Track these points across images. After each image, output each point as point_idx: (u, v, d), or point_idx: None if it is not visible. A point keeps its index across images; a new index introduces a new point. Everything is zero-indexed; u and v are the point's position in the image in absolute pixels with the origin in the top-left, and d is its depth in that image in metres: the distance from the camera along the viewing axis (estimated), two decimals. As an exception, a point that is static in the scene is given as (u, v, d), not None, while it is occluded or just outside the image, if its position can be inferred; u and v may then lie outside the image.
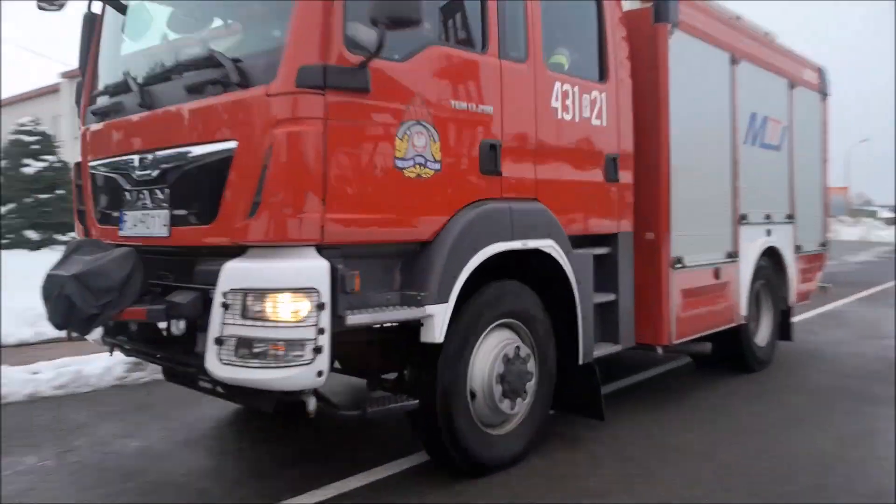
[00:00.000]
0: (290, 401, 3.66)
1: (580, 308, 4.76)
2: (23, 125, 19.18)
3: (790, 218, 7.75)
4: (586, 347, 4.81)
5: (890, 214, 57.75)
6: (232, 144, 3.56)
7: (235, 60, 3.62)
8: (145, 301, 3.82)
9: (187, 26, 4.52)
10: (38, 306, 3.98)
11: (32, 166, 18.40)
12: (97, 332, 4.39)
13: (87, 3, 4.92)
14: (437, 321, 3.83)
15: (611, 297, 5.29)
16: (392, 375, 4.52)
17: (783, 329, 7.85)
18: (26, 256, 14.82)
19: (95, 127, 4.64)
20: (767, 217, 7.22)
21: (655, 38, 5.62)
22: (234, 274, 3.48)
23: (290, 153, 3.40)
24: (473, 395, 4.20)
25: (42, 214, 17.92)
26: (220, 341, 3.50)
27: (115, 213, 4.35)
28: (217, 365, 3.52)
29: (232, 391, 3.85)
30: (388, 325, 3.96)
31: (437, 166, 3.94)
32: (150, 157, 4.05)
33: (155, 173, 3.99)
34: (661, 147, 5.63)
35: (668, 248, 5.65)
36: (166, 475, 4.40)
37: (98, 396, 6.33)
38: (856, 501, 4.04)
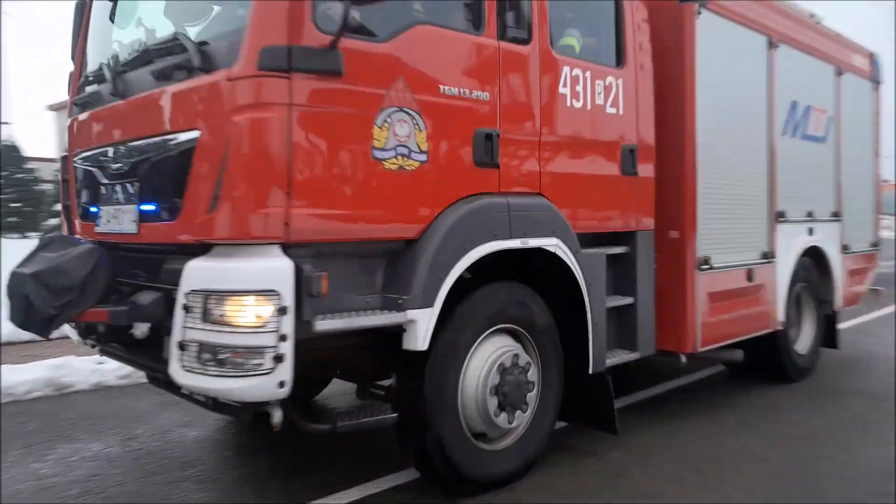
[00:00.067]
0: (254, 412, 3.38)
1: (590, 312, 4.37)
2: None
3: (836, 216, 7.18)
4: (597, 356, 4.42)
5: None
6: (195, 134, 3.28)
7: (201, 43, 3.35)
8: (111, 301, 3.58)
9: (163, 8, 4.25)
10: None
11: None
12: (73, 333, 4.19)
13: None
14: (420, 327, 3.50)
15: (628, 300, 4.89)
16: (388, 382, 4.20)
17: (828, 335, 7.28)
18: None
19: (79, 118, 4.44)
20: (809, 214, 6.67)
21: (681, 19, 5.17)
22: (196, 274, 3.21)
23: (251, 142, 3.11)
24: (466, 408, 3.86)
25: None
26: (182, 346, 3.23)
27: (94, 209, 4.14)
28: (179, 372, 3.26)
29: (207, 399, 3.59)
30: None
31: (423, 157, 3.60)
32: (121, 149, 3.82)
33: (125, 166, 3.76)
34: (687, 138, 5.19)
35: (694, 247, 5.21)
36: (224, 463, 4.55)
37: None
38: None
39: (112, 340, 3.96)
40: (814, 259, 6.86)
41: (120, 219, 3.80)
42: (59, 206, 5.66)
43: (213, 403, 3.50)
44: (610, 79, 4.67)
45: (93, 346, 4.17)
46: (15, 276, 3.59)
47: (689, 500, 3.94)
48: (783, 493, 4.05)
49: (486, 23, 3.90)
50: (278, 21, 3.13)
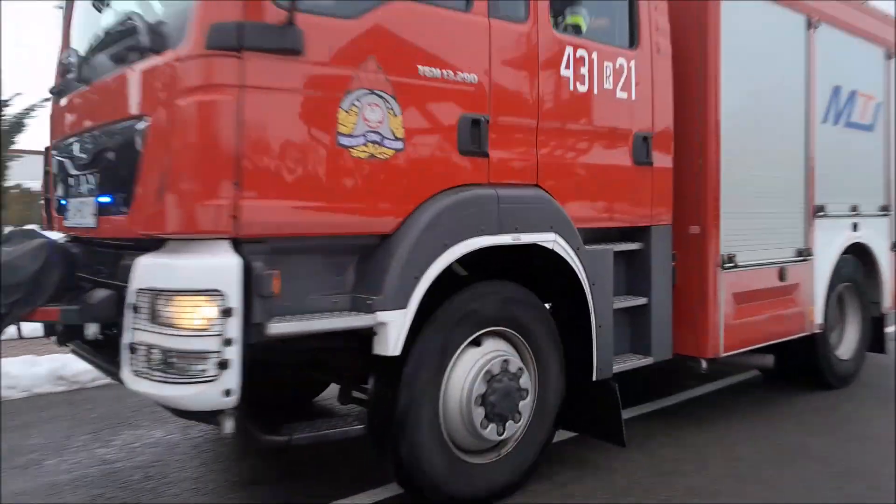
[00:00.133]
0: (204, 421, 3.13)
1: (594, 314, 4.01)
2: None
3: (885, 210, 6.62)
4: (602, 361, 4.05)
5: None
6: (145, 120, 3.04)
7: (155, 23, 3.10)
8: (64, 300, 3.37)
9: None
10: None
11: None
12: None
13: None
14: (391, 330, 3.19)
15: (641, 300, 4.50)
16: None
17: (875, 339, 6.71)
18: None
19: (56, 107, 4.26)
20: (854, 209, 6.15)
21: (703, -5, 4.75)
22: (144, 272, 2.97)
23: (197, 127, 2.85)
24: (449, 419, 3.55)
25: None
26: (132, 349, 3.00)
27: (63, 201, 3.95)
28: (129, 376, 3.03)
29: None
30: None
31: (399, 145, 3.29)
32: (84, 138, 3.63)
33: (87, 156, 3.56)
34: (710, 125, 4.76)
35: (717, 243, 4.78)
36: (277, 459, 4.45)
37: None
38: None
39: (73, 339, 3.76)
40: (859, 257, 6.33)
41: (83, 212, 3.60)
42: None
43: (172, 410, 3.26)
44: (621, 60, 4.28)
45: (58, 345, 3.98)
46: None
47: (748, 499, 3.87)
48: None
49: None
50: None
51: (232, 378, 2.81)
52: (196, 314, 2.80)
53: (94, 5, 4.15)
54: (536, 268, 3.97)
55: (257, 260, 2.89)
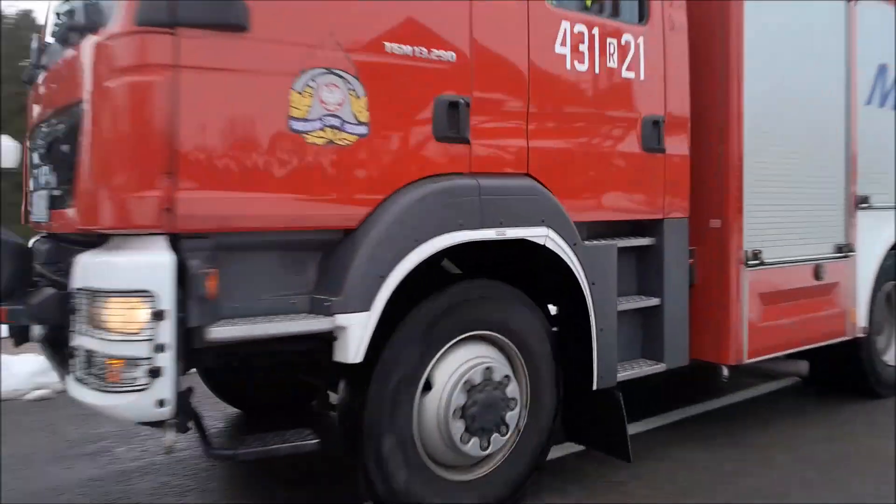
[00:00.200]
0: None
1: (594, 317, 3.64)
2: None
3: (940, 201, 6.04)
4: (604, 368, 3.69)
5: None
6: (83, 105, 2.80)
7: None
8: (15, 298, 3.17)
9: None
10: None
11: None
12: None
13: None
14: (352, 335, 2.89)
15: (653, 301, 4.10)
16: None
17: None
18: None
19: (30, 97, 4.09)
20: (903, 200, 5.61)
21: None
22: (82, 270, 2.76)
23: (129, 112, 2.60)
24: (426, 434, 3.24)
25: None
26: (71, 353, 2.78)
27: (32, 195, 3.77)
28: (71, 382, 2.82)
29: None
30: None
31: (363, 130, 2.98)
32: (42, 126, 3.43)
33: (43, 147, 3.35)
34: (732, 108, 4.33)
35: (740, 238, 4.36)
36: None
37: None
38: None
39: (27, 340, 3.56)
40: (910, 253, 5.78)
41: (39, 206, 3.41)
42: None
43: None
44: (627, 37, 3.89)
45: (15, 346, 3.79)
46: None
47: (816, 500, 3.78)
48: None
49: None
50: None
51: (165, 387, 2.55)
52: (126, 317, 2.55)
53: None
54: (539, 266, 3.64)
55: (195, 257, 2.62)
